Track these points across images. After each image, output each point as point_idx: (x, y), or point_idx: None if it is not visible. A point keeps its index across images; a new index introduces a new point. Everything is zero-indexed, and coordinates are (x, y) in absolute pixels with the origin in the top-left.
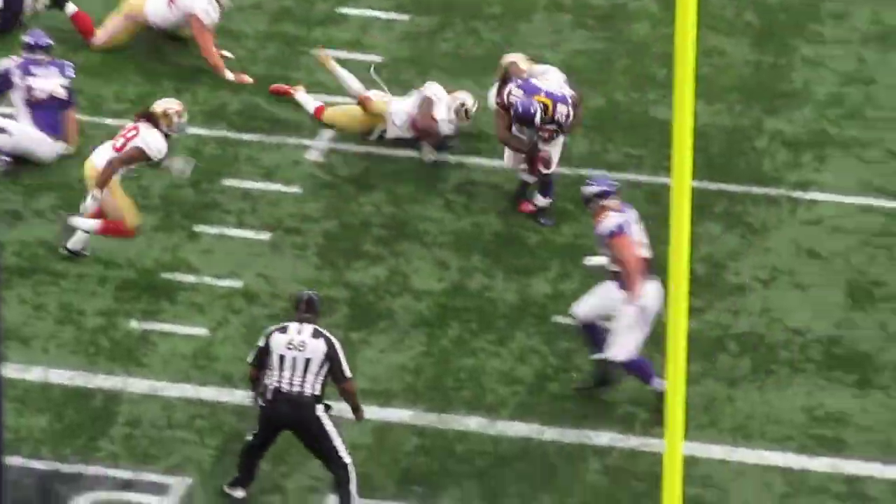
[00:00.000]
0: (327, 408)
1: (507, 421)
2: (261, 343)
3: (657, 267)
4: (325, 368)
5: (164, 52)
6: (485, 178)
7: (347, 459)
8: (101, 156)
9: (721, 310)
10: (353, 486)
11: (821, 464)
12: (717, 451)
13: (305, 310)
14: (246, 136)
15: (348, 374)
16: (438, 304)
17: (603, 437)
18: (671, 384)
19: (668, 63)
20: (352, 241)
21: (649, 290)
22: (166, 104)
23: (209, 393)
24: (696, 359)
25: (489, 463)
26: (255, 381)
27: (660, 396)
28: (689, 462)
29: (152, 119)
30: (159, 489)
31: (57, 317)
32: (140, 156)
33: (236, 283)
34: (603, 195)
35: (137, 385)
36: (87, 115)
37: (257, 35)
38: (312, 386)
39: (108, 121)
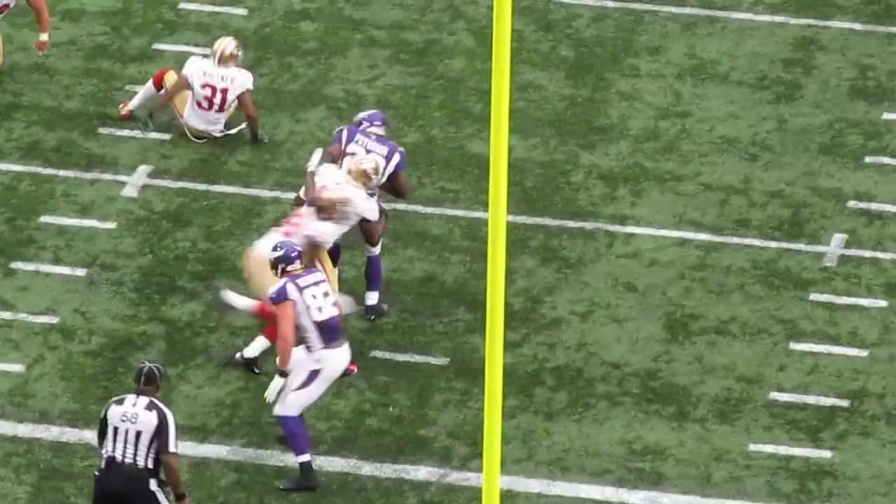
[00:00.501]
0: (162, 484)
1: (325, 456)
2: (102, 414)
3: (475, 301)
4: (157, 442)
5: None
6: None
7: None
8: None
9: (538, 343)
10: None
11: (639, 497)
12: (534, 485)
13: (145, 382)
14: (62, 173)
15: (173, 448)
16: (255, 338)
17: (421, 472)
18: (488, 418)
19: (484, 98)
20: (168, 276)
21: (333, 356)
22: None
23: (25, 430)
24: (512, 393)
25: (307, 498)
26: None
27: (305, 471)
28: (507, 496)
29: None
30: None
31: None
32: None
33: (53, 319)
34: (284, 260)
35: None
36: None
37: (74, 72)
38: (145, 458)
39: None
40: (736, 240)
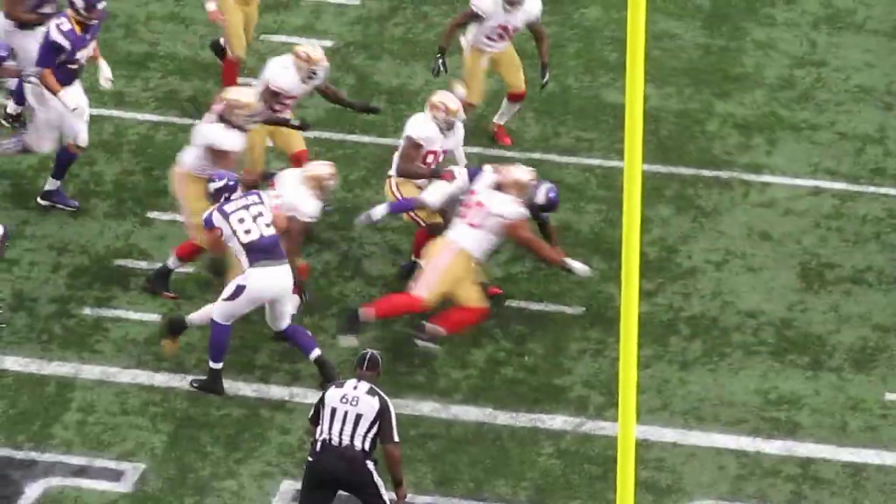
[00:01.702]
0: (376, 464)
1: (460, 405)
2: (317, 400)
3: (610, 250)
4: (376, 428)
5: (115, 41)
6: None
7: None
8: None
9: (673, 293)
10: None
11: (774, 446)
12: (669, 435)
13: (366, 368)
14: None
15: (396, 437)
16: (389, 287)
17: (556, 421)
18: (624, 367)
19: (619, 47)
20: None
21: (258, 275)
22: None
23: (162, 379)
24: (647, 342)
25: (442, 447)
26: (312, 435)
27: (215, 376)
28: (642, 445)
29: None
30: (113, 475)
31: (10, 304)
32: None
33: (188, 269)
34: (225, 190)
35: (90, 371)
36: None
37: (209, 21)
38: (362, 441)
39: None
40: (871, 189)
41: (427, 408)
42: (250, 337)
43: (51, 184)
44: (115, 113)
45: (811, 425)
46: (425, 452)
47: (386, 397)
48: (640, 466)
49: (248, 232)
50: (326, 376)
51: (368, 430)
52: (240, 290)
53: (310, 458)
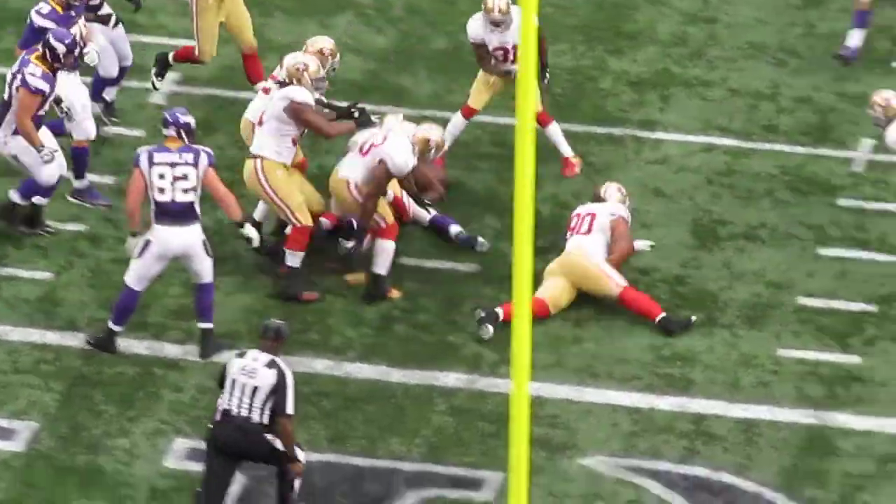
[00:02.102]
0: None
1: (354, 363)
2: (225, 365)
3: (502, 208)
4: (272, 400)
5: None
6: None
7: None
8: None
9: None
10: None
11: (668, 403)
12: (563, 391)
13: (270, 338)
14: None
15: (290, 410)
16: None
17: (450, 378)
18: (517, 324)
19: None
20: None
21: (164, 233)
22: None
23: (54, 337)
24: None
25: (337, 405)
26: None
27: (110, 336)
28: (536, 402)
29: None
30: (5, 434)
31: None
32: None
33: (80, 227)
34: (164, 123)
35: None
36: None
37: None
38: (260, 414)
39: None
40: (764, 146)
41: (321, 365)
42: (144, 294)
43: (79, 183)
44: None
45: (704, 381)
46: (319, 410)
47: (285, 369)
48: (535, 423)
49: (161, 191)
50: (203, 349)
51: (265, 403)
52: (146, 246)
53: (210, 425)
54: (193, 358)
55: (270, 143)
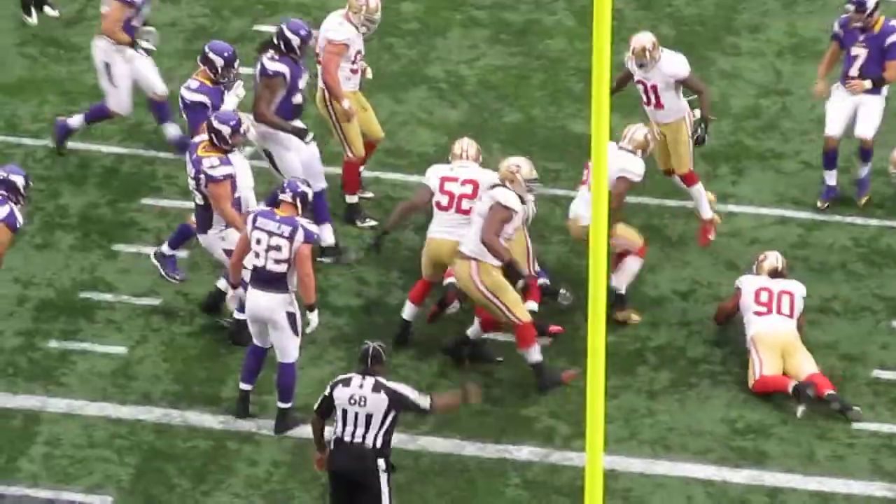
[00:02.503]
0: (392, 468)
1: (427, 436)
2: (326, 392)
3: (577, 280)
4: (390, 420)
5: (81, 73)
6: (398, 193)
7: None
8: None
9: (640, 323)
10: None
11: (742, 476)
12: (637, 465)
13: (372, 363)
14: (162, 155)
15: (426, 405)
16: (357, 319)
17: (523, 452)
18: (591, 397)
19: (584, 78)
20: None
21: (251, 296)
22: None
23: (128, 411)
24: (615, 372)
25: (410, 478)
26: (316, 428)
27: (242, 398)
28: (610, 476)
29: None
30: None
31: None
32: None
33: (154, 301)
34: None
35: (57, 404)
36: (2, 135)
37: (174, 53)
38: (374, 439)
39: (26, 140)
40: (837, 218)
41: (394, 439)
42: (217, 368)
43: (167, 249)
44: (80, 145)
45: (778, 454)
46: (392, 484)
47: (393, 387)
48: (608, 497)
49: (256, 255)
50: (278, 426)
51: (381, 426)
52: (241, 307)
53: (322, 454)
54: (267, 432)
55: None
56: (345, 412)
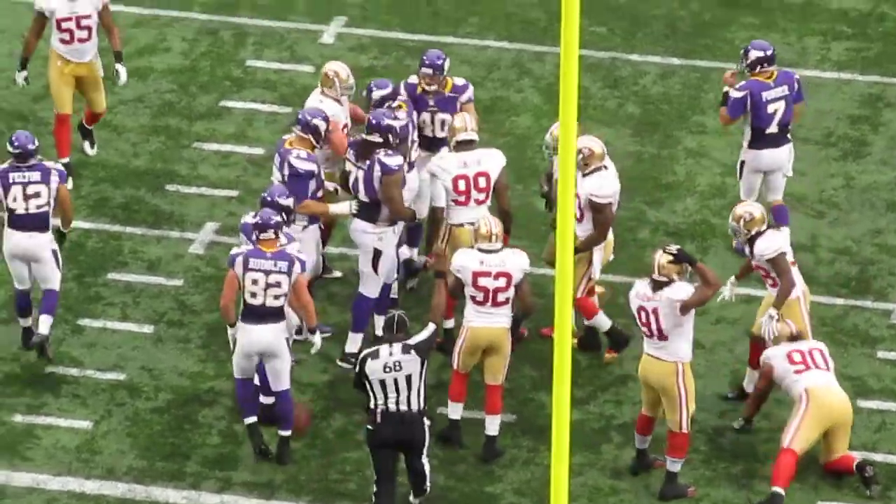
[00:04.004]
0: (431, 420)
1: None
2: (356, 369)
3: (541, 357)
4: (425, 372)
5: (49, 149)
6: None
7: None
8: None
9: (604, 401)
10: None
11: None
12: None
13: (397, 330)
14: (129, 229)
15: (432, 330)
16: (322, 396)
17: None
18: (555, 475)
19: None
20: None
21: (247, 330)
22: None
23: (92, 486)
24: (579, 450)
25: None
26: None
27: (250, 431)
28: None
29: None
30: None
31: None
32: None
33: (119, 376)
34: (258, 228)
35: (21, 479)
36: None
37: (141, 129)
38: (417, 401)
39: None
40: None
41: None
42: (182, 444)
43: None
44: None
45: None
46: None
47: (416, 341)
48: None
49: (253, 295)
50: (254, 444)
51: (420, 382)
52: (234, 343)
53: (369, 427)
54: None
55: (683, 345)
56: (383, 383)
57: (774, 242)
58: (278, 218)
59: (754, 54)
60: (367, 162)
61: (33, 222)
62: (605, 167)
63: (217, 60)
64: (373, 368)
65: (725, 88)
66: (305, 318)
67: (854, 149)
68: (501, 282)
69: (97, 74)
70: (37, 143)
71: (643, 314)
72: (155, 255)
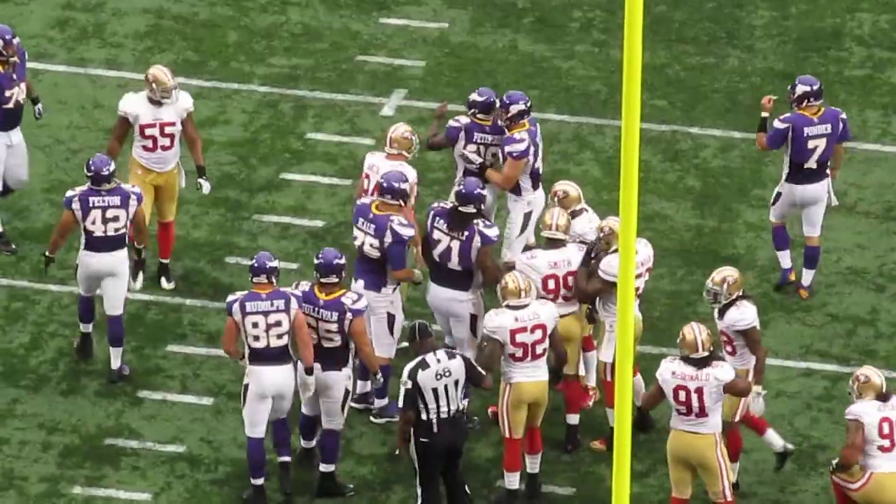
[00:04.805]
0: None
1: None
2: (408, 385)
3: (601, 430)
4: (469, 380)
5: None
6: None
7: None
8: None
9: (664, 474)
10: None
11: None
12: None
13: (425, 337)
14: (189, 302)
15: (483, 372)
16: (382, 468)
17: None
18: None
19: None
20: (295, 406)
21: (259, 373)
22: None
23: None
24: None
25: None
26: (409, 424)
27: (256, 493)
28: None
29: None
30: None
31: (0, 484)
32: None
33: (179, 448)
34: (251, 272)
35: None
36: (28, 280)
37: (200, 201)
38: (459, 402)
39: (52, 287)
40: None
41: None
42: None
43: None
44: None
45: None
46: None
47: (457, 349)
48: None
49: (256, 339)
50: (282, 484)
51: (464, 389)
52: (245, 389)
53: (424, 440)
54: None
55: (719, 418)
56: (435, 391)
57: (749, 314)
58: (274, 263)
59: (801, 89)
60: (466, 232)
61: (111, 244)
62: (586, 210)
63: (277, 133)
64: (425, 378)
65: (765, 114)
66: (302, 356)
67: None
68: (538, 334)
69: (176, 185)
70: (112, 167)
71: (682, 393)
72: (215, 327)
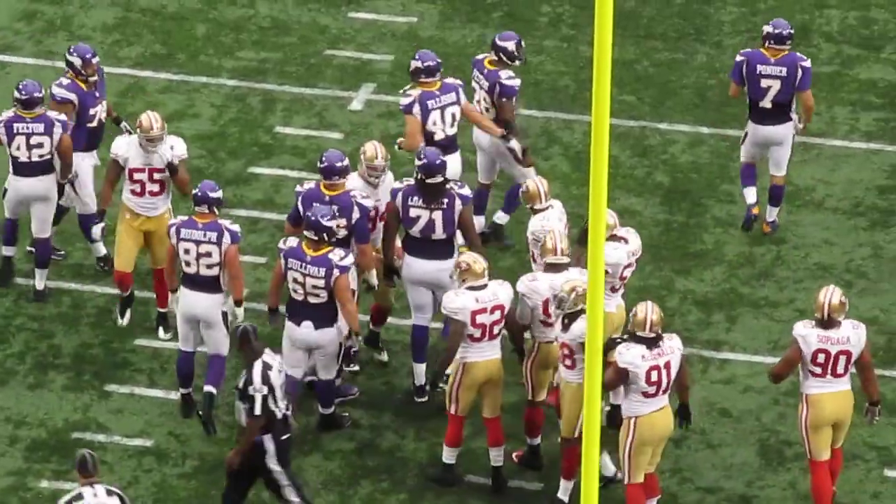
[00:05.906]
0: None
1: None
2: None
3: None
4: None
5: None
6: (399, 337)
7: None
8: None
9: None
10: None
11: None
12: None
13: (248, 342)
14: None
15: None
16: (349, 463)
17: None
18: None
19: (578, 223)
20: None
21: (187, 298)
22: None
23: None
24: None
25: None
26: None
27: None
28: None
29: None
30: None
31: None
32: None
33: (146, 443)
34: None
35: None
36: None
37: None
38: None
39: (18, 280)
40: None
41: None
42: None
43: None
44: (72, 286)
45: None
46: None
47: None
48: None
49: (187, 264)
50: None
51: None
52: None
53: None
54: None
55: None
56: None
57: None
58: (217, 194)
59: (766, 29)
60: (445, 199)
61: (38, 169)
62: (552, 206)
63: (245, 126)
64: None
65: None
66: (232, 290)
67: (882, 218)
68: (496, 315)
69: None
70: (42, 92)
71: (654, 373)
72: None
